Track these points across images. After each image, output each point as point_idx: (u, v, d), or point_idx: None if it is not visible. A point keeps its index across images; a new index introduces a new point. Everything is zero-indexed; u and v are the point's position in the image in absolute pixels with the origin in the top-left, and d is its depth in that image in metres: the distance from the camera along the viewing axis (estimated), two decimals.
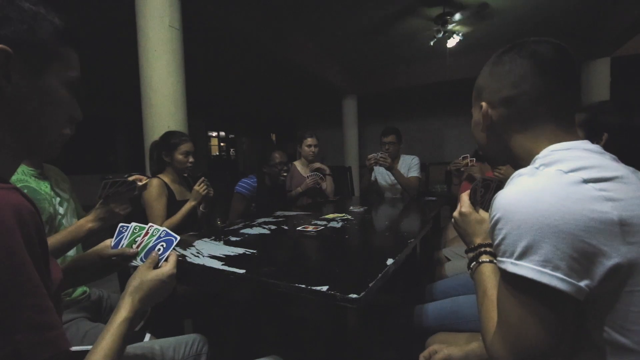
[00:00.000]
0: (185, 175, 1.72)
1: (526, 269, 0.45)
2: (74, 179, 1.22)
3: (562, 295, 0.44)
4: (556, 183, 0.47)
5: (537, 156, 0.56)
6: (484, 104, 0.64)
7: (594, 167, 0.48)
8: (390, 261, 0.91)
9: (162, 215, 1.58)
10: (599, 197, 0.45)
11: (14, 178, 0.98)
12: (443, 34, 4.21)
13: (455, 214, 0.77)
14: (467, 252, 0.72)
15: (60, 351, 0.39)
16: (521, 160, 0.61)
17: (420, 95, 7.54)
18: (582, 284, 0.44)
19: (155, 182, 1.61)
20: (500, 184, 0.76)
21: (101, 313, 1.15)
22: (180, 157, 1.66)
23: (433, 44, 4.46)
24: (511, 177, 0.55)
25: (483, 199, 0.76)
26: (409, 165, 2.60)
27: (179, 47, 2.44)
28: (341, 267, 0.91)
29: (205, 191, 1.67)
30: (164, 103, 2.37)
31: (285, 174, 2.24)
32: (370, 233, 1.45)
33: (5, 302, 0.35)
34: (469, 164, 2.09)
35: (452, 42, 4.38)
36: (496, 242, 0.50)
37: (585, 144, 0.55)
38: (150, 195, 1.58)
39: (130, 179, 1.09)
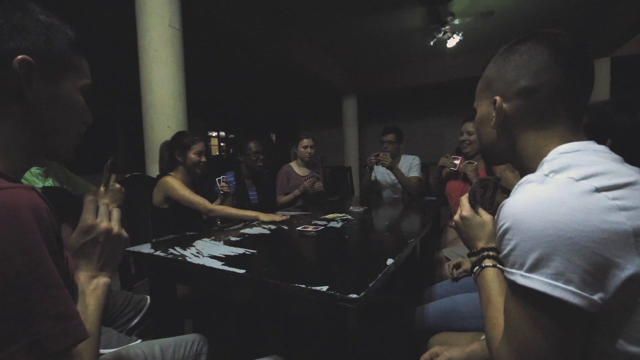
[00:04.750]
0: (199, 171, 1.73)
1: (537, 282, 0.44)
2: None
3: (574, 309, 0.42)
4: (567, 193, 0.45)
5: (544, 159, 0.54)
6: (498, 98, 0.60)
7: (605, 174, 0.46)
8: (390, 261, 0.91)
9: (200, 197, 1.61)
10: (612, 207, 0.43)
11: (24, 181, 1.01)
12: (443, 34, 4.21)
13: (456, 217, 0.76)
14: (469, 255, 0.71)
15: (79, 340, 0.40)
16: (528, 160, 0.59)
17: (420, 95, 7.54)
18: (596, 297, 0.42)
19: (170, 178, 1.62)
20: (497, 182, 0.76)
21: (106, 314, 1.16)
22: (193, 156, 1.68)
23: (433, 44, 4.46)
24: (519, 183, 0.53)
25: (483, 198, 0.76)
26: (410, 165, 2.60)
27: (179, 47, 2.44)
28: (341, 267, 0.91)
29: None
30: (164, 103, 2.37)
31: (260, 163, 2.28)
32: (370, 233, 1.45)
33: (25, 293, 0.36)
34: (461, 165, 2.01)
35: (452, 42, 4.38)
36: (504, 252, 0.49)
37: (593, 144, 0.53)
38: (173, 188, 1.59)
39: None
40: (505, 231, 0.48)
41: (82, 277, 0.54)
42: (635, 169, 0.49)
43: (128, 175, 1.67)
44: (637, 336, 0.44)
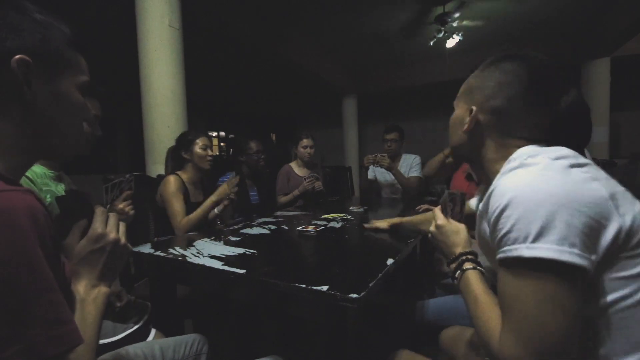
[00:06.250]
0: (207, 167, 1.70)
1: (545, 250, 0.45)
2: (74, 178, 1.23)
3: (580, 272, 0.45)
4: (553, 168, 0.50)
5: (511, 157, 0.60)
6: (474, 108, 0.65)
7: (570, 156, 0.53)
8: (390, 261, 0.91)
9: (182, 211, 1.55)
10: (588, 178, 0.49)
11: (38, 180, 1.01)
12: (443, 34, 4.21)
13: (432, 228, 0.79)
14: (449, 263, 0.72)
15: (73, 346, 0.40)
16: (491, 163, 0.65)
17: (420, 95, 7.54)
18: (593, 257, 0.46)
19: (172, 178, 1.60)
20: (463, 196, 0.81)
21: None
22: (199, 151, 1.66)
23: (433, 44, 4.46)
24: (500, 174, 0.58)
25: (453, 211, 0.80)
26: (410, 165, 2.60)
27: (179, 47, 2.44)
28: (341, 267, 0.91)
29: (234, 193, 1.65)
30: (164, 103, 2.37)
31: (262, 163, 2.25)
32: (370, 233, 1.44)
33: (20, 298, 0.36)
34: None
35: (451, 42, 4.38)
36: (504, 230, 0.50)
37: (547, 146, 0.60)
38: (167, 191, 1.56)
39: None
40: (504, 209, 0.50)
41: (83, 285, 0.53)
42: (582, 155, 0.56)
43: (128, 175, 1.67)
44: (614, 293, 0.49)
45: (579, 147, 0.59)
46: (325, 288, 0.72)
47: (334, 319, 0.73)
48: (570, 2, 3.89)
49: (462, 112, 0.70)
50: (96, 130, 0.99)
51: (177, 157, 1.72)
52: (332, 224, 1.50)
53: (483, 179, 0.71)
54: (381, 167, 2.47)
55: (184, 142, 1.69)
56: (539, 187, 0.48)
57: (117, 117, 7.63)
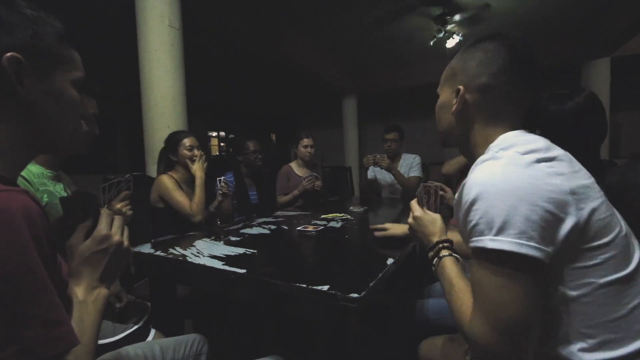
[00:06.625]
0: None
1: (505, 242, 0.49)
2: (74, 178, 1.22)
3: (537, 262, 0.49)
4: (518, 163, 0.53)
5: (491, 144, 0.62)
6: (462, 87, 0.65)
7: (540, 150, 0.56)
8: (390, 261, 0.91)
9: (188, 199, 1.58)
10: (551, 173, 0.52)
11: (35, 180, 1.00)
12: (443, 34, 4.21)
13: (410, 220, 0.82)
14: (428, 251, 0.75)
15: (69, 347, 0.40)
16: (477, 147, 0.66)
17: (420, 95, 7.52)
18: (550, 249, 0.50)
19: (165, 176, 1.61)
20: (437, 189, 0.85)
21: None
22: (185, 152, 1.67)
23: (433, 44, 4.46)
24: (474, 164, 0.60)
25: (428, 203, 0.84)
26: (410, 165, 2.59)
27: (179, 47, 2.44)
28: (341, 267, 0.91)
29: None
30: (164, 103, 2.37)
31: (259, 163, 2.26)
32: (370, 233, 1.44)
33: (15, 299, 0.36)
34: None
35: (451, 43, 4.38)
36: (473, 222, 0.53)
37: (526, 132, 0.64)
38: (167, 187, 1.58)
39: None
40: (472, 202, 0.54)
41: (83, 286, 0.53)
42: (557, 147, 0.59)
43: (128, 175, 1.67)
44: (575, 281, 0.53)
45: (583, 146, 0.60)
46: (325, 288, 0.71)
47: (334, 319, 0.73)
48: (570, 2, 3.89)
49: (447, 96, 0.70)
50: (94, 129, 0.99)
51: (166, 158, 1.73)
52: (332, 224, 1.50)
53: (471, 163, 0.73)
54: (380, 168, 2.47)
55: (170, 144, 1.70)
56: (504, 184, 0.51)
57: (117, 117, 7.63)
